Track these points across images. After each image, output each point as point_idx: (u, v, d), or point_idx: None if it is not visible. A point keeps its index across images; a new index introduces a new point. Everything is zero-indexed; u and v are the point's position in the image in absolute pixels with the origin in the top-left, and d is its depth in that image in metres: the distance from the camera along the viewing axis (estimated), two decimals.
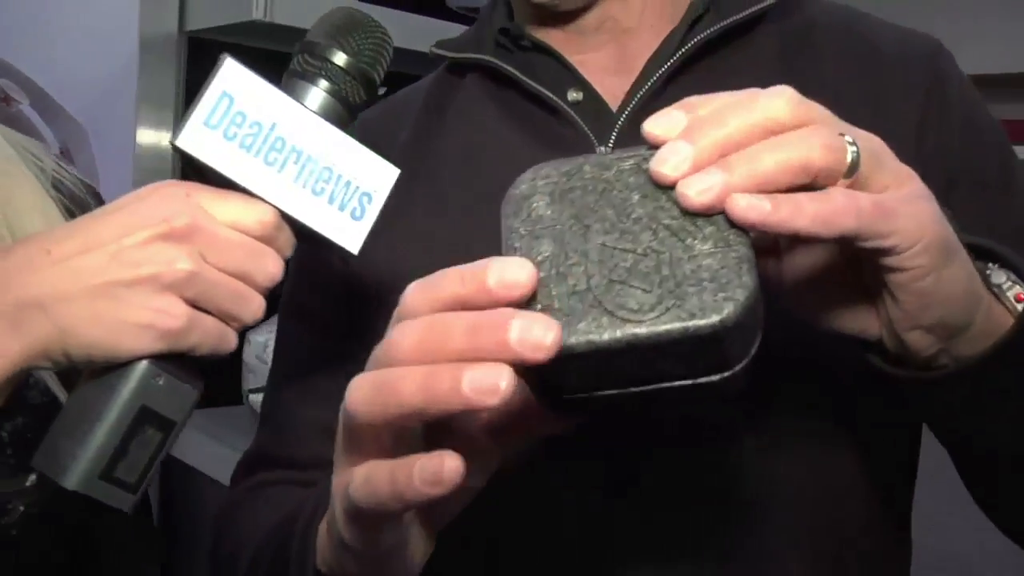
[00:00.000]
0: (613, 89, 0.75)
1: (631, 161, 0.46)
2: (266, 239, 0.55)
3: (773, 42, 0.76)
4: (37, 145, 0.71)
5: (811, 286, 0.52)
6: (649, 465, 0.68)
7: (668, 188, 0.44)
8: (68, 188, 0.72)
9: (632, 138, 0.71)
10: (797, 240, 0.50)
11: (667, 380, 0.44)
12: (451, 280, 0.43)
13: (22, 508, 0.51)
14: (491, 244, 0.44)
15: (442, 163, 0.78)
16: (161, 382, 0.53)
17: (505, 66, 0.77)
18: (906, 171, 0.48)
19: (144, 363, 0.52)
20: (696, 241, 0.43)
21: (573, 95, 0.75)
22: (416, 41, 1.15)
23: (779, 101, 0.45)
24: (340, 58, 0.58)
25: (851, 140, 0.45)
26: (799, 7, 0.78)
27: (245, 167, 0.54)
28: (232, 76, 0.54)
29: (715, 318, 0.41)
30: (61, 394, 0.64)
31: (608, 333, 0.42)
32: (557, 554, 0.70)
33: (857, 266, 0.50)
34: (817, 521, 0.70)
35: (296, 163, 0.55)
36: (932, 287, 0.47)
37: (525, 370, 0.41)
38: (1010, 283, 0.53)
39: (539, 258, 0.44)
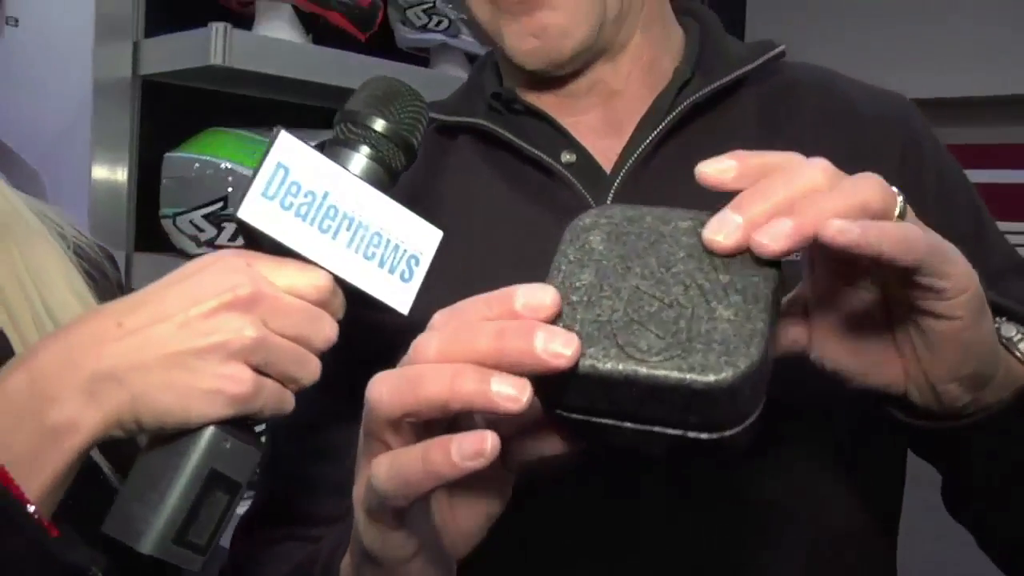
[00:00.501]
0: (604, 151, 0.79)
1: (689, 222, 0.50)
2: (322, 303, 0.57)
3: (755, 103, 0.80)
4: (56, 211, 0.72)
5: (842, 347, 0.55)
6: (648, 473, 0.71)
7: (713, 255, 0.48)
8: (86, 252, 0.73)
9: (627, 198, 0.75)
10: (837, 288, 0.53)
11: (659, 425, 0.47)
12: (478, 305, 0.47)
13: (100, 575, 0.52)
14: None
15: (441, 223, 0.81)
16: (228, 445, 0.54)
17: (501, 130, 0.80)
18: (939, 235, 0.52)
19: (212, 428, 0.54)
20: (720, 306, 0.46)
21: (567, 157, 0.79)
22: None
23: (817, 172, 0.48)
24: (381, 125, 0.60)
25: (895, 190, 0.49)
26: (779, 69, 0.83)
27: (302, 235, 0.56)
28: (286, 148, 0.56)
29: (711, 377, 0.44)
30: (100, 460, 0.64)
31: (611, 364, 0.45)
32: (556, 560, 0.73)
33: (888, 327, 0.53)
34: (813, 528, 0.74)
35: (348, 230, 0.57)
36: (972, 339, 0.51)
37: (535, 383, 0.45)
38: (1020, 335, 0.57)
39: (577, 283, 0.48)
